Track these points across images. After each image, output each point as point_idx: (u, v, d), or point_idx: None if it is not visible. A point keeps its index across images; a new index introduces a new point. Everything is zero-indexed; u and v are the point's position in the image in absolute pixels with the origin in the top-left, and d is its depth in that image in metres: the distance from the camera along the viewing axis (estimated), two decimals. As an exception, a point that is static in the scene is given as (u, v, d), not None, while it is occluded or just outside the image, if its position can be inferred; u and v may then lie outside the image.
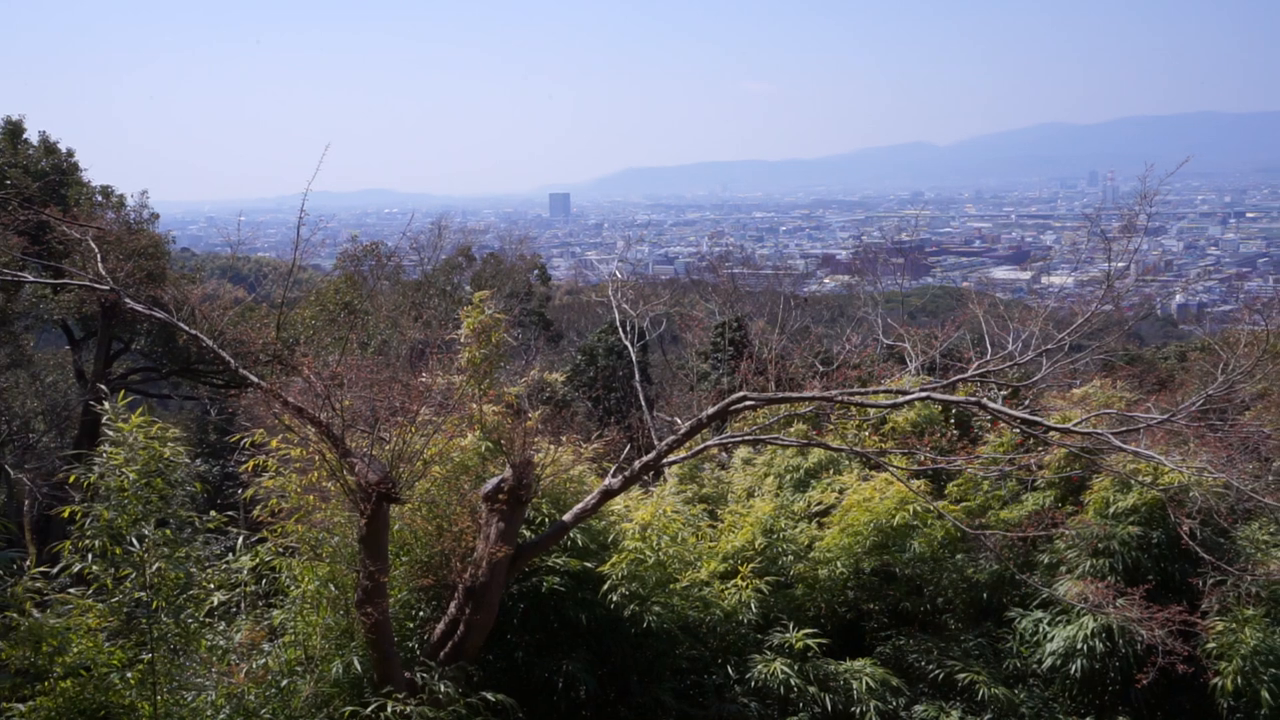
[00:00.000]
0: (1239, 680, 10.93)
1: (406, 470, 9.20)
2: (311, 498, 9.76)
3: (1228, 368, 11.40)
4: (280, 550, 10.28)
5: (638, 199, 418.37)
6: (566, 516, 10.79)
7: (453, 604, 10.20)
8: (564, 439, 12.78)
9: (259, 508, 10.19)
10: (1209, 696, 11.23)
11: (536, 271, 41.02)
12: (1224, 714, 11.18)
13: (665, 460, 11.00)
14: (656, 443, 11.22)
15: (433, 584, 10.53)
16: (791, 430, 15.17)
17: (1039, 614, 12.43)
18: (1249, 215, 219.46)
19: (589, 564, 11.39)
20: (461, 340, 11.87)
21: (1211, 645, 11.26)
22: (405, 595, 10.75)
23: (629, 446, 12.62)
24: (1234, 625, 11.25)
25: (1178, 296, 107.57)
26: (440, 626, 10.30)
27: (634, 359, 14.47)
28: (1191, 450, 11.12)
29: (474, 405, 11.24)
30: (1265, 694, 10.74)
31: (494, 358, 11.57)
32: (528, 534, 10.96)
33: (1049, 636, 12.07)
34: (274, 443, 10.12)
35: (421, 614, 10.91)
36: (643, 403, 13.24)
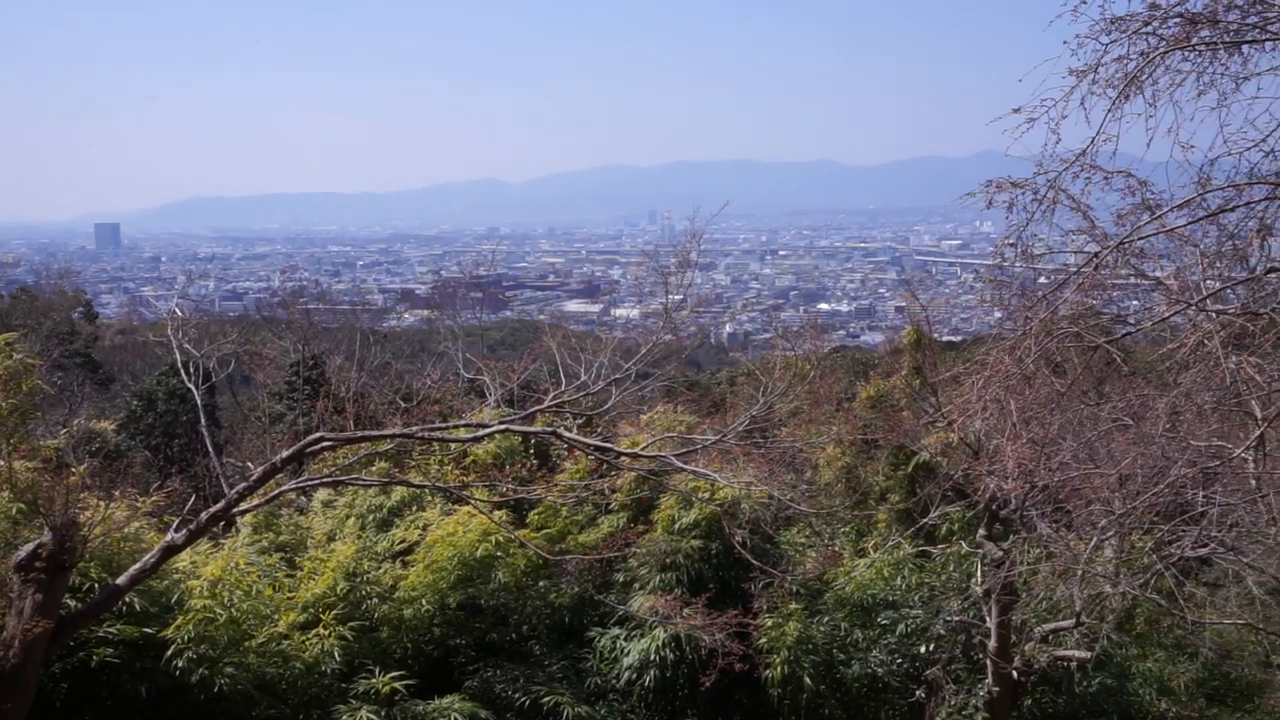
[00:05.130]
0: (785, 669, 12.25)
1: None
2: None
3: (767, 390, 12.76)
4: None
5: (201, 231, 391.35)
6: (121, 580, 9.73)
7: (-24, 695, 8.81)
8: (117, 493, 11.55)
9: None
10: (762, 688, 12.46)
11: (81, 309, 36.97)
12: (775, 702, 12.46)
13: (237, 509, 10.32)
14: (227, 490, 10.48)
15: (-51, 674, 9.04)
16: (373, 469, 14.82)
17: (616, 631, 13.11)
18: (781, 253, 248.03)
19: (149, 629, 10.37)
20: (-16, 389, 10.36)
21: (763, 641, 12.51)
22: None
23: (195, 496, 11.74)
24: (780, 621, 12.59)
25: (727, 326, 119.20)
26: (-40, 723, 8.86)
27: (199, 402, 13.38)
28: (740, 467, 12.30)
29: (1, 462, 9.86)
30: (806, 679, 12.14)
31: (26, 407, 10.26)
32: (73, 604, 9.77)
33: (625, 652, 12.77)
34: None
35: (-65, 711, 9.33)
36: (210, 448, 12.29)
